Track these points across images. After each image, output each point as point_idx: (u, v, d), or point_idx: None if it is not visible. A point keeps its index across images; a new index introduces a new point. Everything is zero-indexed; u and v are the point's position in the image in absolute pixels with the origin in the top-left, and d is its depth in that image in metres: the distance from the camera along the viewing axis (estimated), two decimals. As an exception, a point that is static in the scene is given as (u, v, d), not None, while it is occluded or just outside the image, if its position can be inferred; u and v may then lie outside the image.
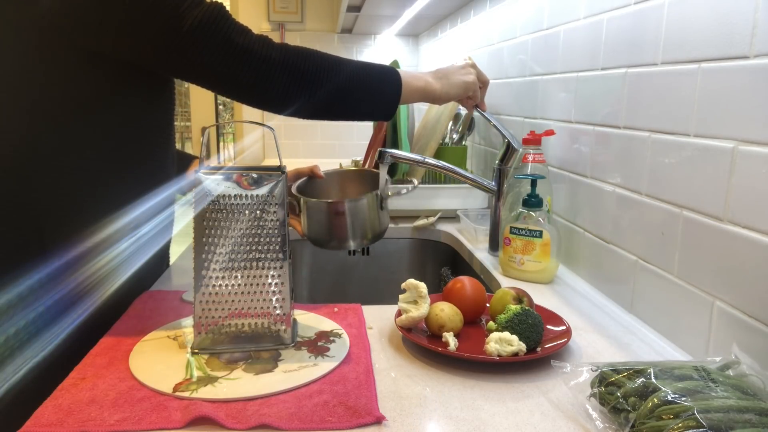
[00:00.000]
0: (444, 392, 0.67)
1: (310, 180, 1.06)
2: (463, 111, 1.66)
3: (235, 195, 0.75)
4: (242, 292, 0.76)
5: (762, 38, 0.65)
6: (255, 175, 0.75)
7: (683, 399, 0.54)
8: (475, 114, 1.47)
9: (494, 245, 1.24)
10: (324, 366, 0.71)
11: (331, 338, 0.80)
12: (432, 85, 0.99)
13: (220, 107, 4.80)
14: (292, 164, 0.94)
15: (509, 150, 1.18)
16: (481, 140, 1.74)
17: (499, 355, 0.72)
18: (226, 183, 0.75)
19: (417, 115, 2.06)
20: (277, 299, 0.77)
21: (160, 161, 0.94)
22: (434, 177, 1.62)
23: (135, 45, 0.79)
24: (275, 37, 1.36)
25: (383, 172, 0.97)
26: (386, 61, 1.17)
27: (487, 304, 0.88)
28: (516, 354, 0.73)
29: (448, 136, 1.68)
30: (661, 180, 0.84)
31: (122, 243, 0.89)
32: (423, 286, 0.81)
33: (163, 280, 1.05)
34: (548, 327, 0.82)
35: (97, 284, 0.87)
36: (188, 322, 0.84)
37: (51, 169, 0.82)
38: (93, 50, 0.79)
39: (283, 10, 2.93)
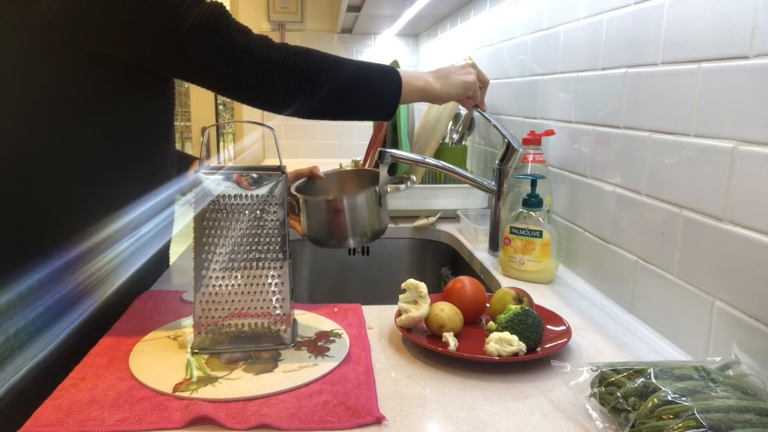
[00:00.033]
0: (444, 392, 0.67)
1: (310, 181, 1.06)
2: (463, 111, 1.66)
3: (235, 195, 0.75)
4: (242, 292, 0.76)
5: (762, 38, 0.65)
6: (255, 175, 0.75)
7: (683, 399, 0.54)
8: (475, 114, 1.47)
9: (494, 245, 1.24)
10: (324, 366, 0.71)
11: (331, 338, 0.80)
12: (432, 84, 0.99)
13: (220, 107, 4.80)
14: (292, 164, 0.94)
15: (509, 150, 1.18)
16: (481, 140, 1.74)
17: (499, 355, 0.72)
18: (226, 183, 0.75)
19: (417, 115, 2.05)
20: (277, 299, 0.77)
21: (160, 161, 0.94)
22: (434, 177, 1.62)
23: (135, 45, 0.79)
24: (275, 37, 1.36)
25: (383, 172, 0.97)
26: (386, 61, 1.17)
27: (487, 304, 0.88)
28: (516, 354, 0.73)
29: (448, 136, 1.68)
30: (661, 180, 0.84)
31: (122, 243, 0.89)
32: (423, 286, 0.81)
33: (163, 280, 1.05)
34: (548, 327, 0.82)
35: (97, 284, 0.87)
36: (188, 322, 0.84)
37: (51, 169, 0.82)
38: (93, 50, 0.79)
39: (283, 10, 2.93)
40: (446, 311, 0.80)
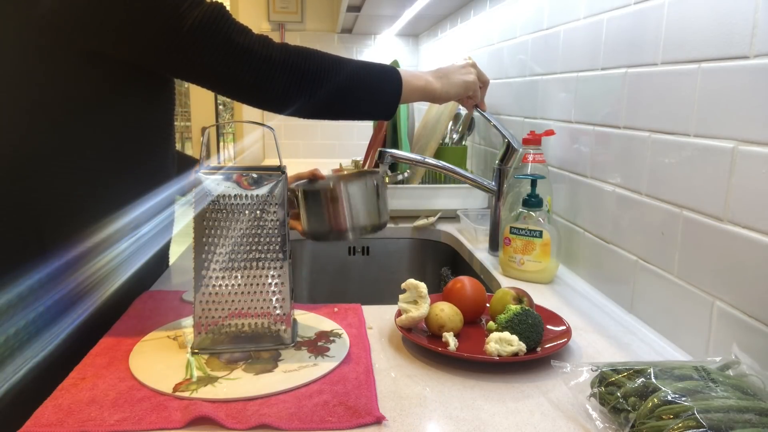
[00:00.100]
0: (444, 392, 0.67)
1: (311, 182, 1.06)
2: (463, 111, 1.66)
3: (235, 195, 0.75)
4: (242, 292, 0.76)
5: (762, 38, 0.65)
6: (255, 175, 0.75)
7: (683, 399, 0.54)
8: (475, 114, 1.47)
9: (494, 245, 1.24)
10: (324, 366, 0.71)
11: (331, 338, 0.80)
12: (432, 84, 0.99)
13: (220, 107, 4.80)
14: (292, 164, 0.94)
15: (509, 150, 1.18)
16: (481, 140, 1.74)
17: (499, 355, 0.72)
18: (226, 183, 0.75)
19: (417, 115, 2.06)
20: (277, 299, 0.77)
21: (160, 161, 0.94)
22: (434, 177, 1.62)
23: (135, 45, 0.79)
24: (275, 37, 1.36)
25: (383, 171, 0.97)
26: (386, 61, 1.17)
27: (487, 304, 0.88)
28: (516, 354, 0.73)
29: (448, 136, 1.68)
30: (661, 180, 0.84)
31: (122, 243, 0.89)
32: (423, 286, 0.81)
33: (163, 280, 1.05)
34: (548, 327, 0.82)
35: (97, 284, 0.87)
36: (188, 322, 0.84)
37: (51, 169, 0.81)
38: (93, 50, 0.79)
39: (283, 10, 2.93)
40: (446, 311, 0.80)
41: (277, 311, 0.77)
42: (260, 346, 0.76)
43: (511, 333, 0.74)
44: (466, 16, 1.94)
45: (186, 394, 0.64)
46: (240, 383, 0.67)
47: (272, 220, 0.76)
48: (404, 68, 0.99)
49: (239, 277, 0.75)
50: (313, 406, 0.62)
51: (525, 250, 1.06)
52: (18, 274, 0.80)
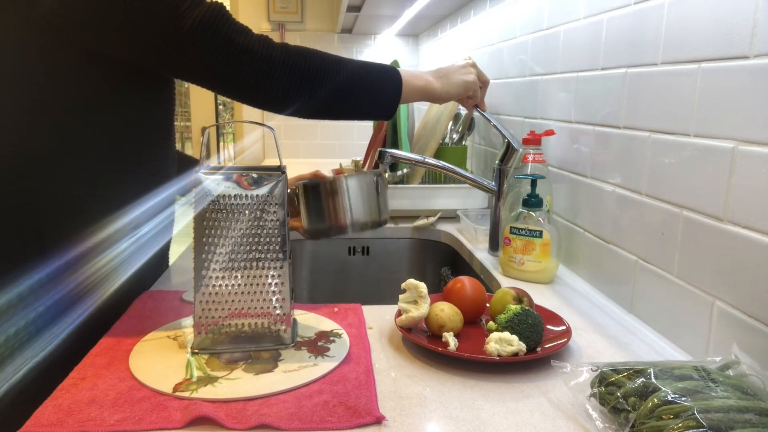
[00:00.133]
0: (444, 392, 0.67)
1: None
2: (463, 111, 1.66)
3: (235, 195, 0.75)
4: (242, 292, 0.76)
5: (762, 38, 0.65)
6: (255, 175, 0.75)
7: (683, 399, 0.54)
8: (475, 114, 1.47)
9: (494, 245, 1.24)
10: (324, 366, 0.71)
11: (331, 338, 0.80)
12: (432, 84, 0.99)
13: (220, 107, 4.80)
14: (292, 164, 0.94)
15: (509, 150, 1.18)
16: (481, 140, 1.74)
17: (499, 355, 0.72)
18: (226, 183, 0.75)
19: (417, 115, 2.06)
20: (277, 299, 0.77)
21: (160, 161, 0.94)
22: (434, 177, 1.62)
23: (135, 45, 0.79)
24: (275, 37, 1.36)
25: (382, 169, 0.97)
26: (386, 61, 1.17)
27: (487, 304, 0.88)
28: (516, 354, 0.73)
29: (448, 136, 1.68)
30: (661, 180, 0.84)
31: (122, 243, 0.89)
32: (423, 286, 0.81)
33: (163, 280, 1.05)
34: (548, 327, 0.82)
35: (97, 284, 0.87)
36: (188, 322, 0.84)
37: (51, 169, 0.81)
38: (93, 50, 0.79)
39: (283, 10, 2.93)
40: (446, 311, 0.80)
41: (277, 311, 0.77)
42: (260, 346, 0.76)
43: (511, 333, 0.74)
44: (466, 16, 1.94)
45: (186, 394, 0.64)
46: (240, 383, 0.67)
47: (272, 220, 0.76)
48: (404, 68, 0.99)
49: (239, 277, 0.75)
50: (313, 406, 0.62)
51: (525, 250, 1.06)
52: (18, 274, 0.80)
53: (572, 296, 1.00)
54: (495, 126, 1.18)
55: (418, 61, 2.99)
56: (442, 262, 1.52)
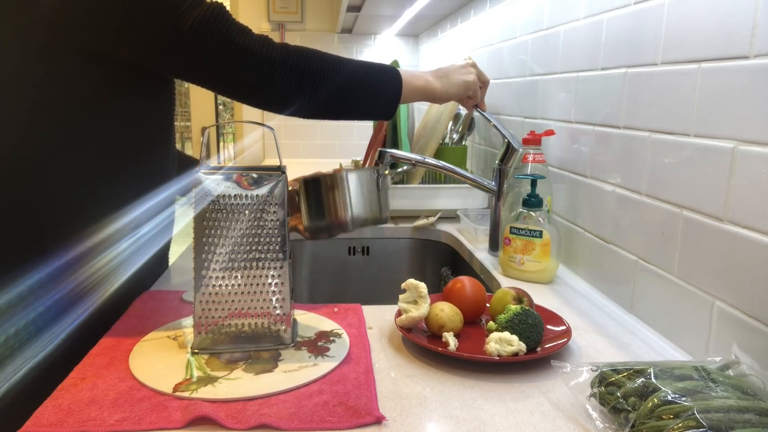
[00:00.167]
0: (444, 392, 0.67)
1: None
2: (463, 111, 1.66)
3: (235, 195, 0.75)
4: (242, 292, 0.76)
5: (762, 38, 0.65)
6: (255, 175, 0.75)
7: (683, 399, 0.54)
8: (475, 114, 1.47)
9: (494, 245, 1.24)
10: (324, 366, 0.71)
11: (331, 338, 0.80)
12: (432, 84, 0.99)
13: (220, 107, 4.80)
14: (292, 164, 0.94)
15: (509, 150, 1.18)
16: (481, 140, 1.74)
17: (499, 355, 0.72)
18: (226, 183, 0.75)
19: (417, 115, 2.06)
20: (277, 299, 0.77)
21: (160, 161, 0.94)
22: (434, 177, 1.62)
23: (135, 45, 0.79)
24: (275, 37, 1.36)
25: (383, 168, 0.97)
26: (386, 61, 1.17)
27: (487, 304, 0.88)
28: (516, 354, 0.73)
29: (448, 136, 1.68)
30: (661, 180, 0.84)
31: (122, 243, 0.89)
32: (423, 286, 0.81)
33: (163, 280, 1.05)
34: (548, 327, 0.82)
35: (97, 284, 0.87)
36: (188, 322, 0.84)
37: (51, 169, 0.81)
38: (93, 50, 0.79)
39: (283, 10, 2.93)
40: (446, 311, 0.80)
41: (277, 311, 0.77)
42: (260, 346, 0.76)
43: (511, 333, 0.74)
44: (466, 16, 1.94)
45: (186, 394, 0.64)
46: (240, 383, 0.67)
47: (272, 220, 0.76)
48: (404, 68, 0.99)
49: (239, 277, 0.75)
50: (313, 406, 0.62)
51: (525, 250, 1.06)
52: (18, 274, 0.80)
53: (572, 296, 1.00)
54: (495, 126, 1.18)
55: (418, 61, 2.99)
56: (442, 262, 1.52)
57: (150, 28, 0.77)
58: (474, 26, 1.85)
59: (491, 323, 0.81)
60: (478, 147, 1.77)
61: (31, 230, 0.82)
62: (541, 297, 0.99)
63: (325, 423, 0.60)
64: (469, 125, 1.69)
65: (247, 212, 0.75)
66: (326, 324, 0.85)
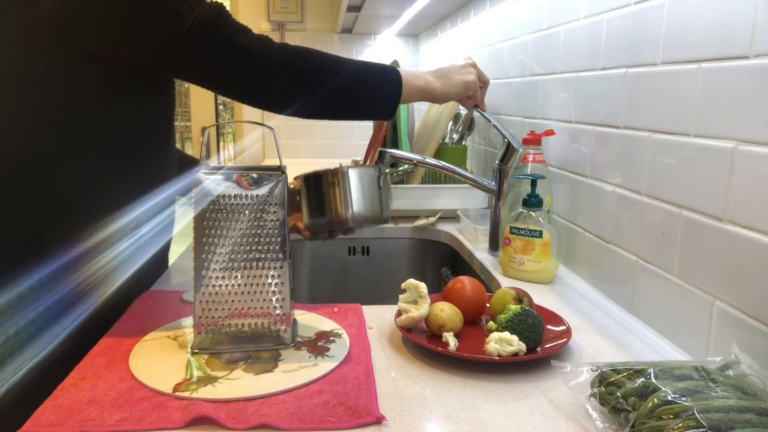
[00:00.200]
0: (444, 392, 0.67)
1: None
2: (463, 111, 1.66)
3: (235, 195, 0.75)
4: (242, 292, 0.76)
5: (762, 38, 0.65)
6: (255, 175, 0.75)
7: (683, 399, 0.54)
8: (475, 114, 1.47)
9: (494, 245, 1.24)
10: (324, 366, 0.71)
11: (331, 338, 0.80)
12: (432, 84, 0.99)
13: (220, 107, 4.80)
14: (292, 164, 0.94)
15: (509, 150, 1.18)
16: (481, 140, 1.74)
17: (499, 355, 0.72)
18: (226, 183, 0.75)
19: (417, 115, 2.06)
20: (277, 299, 0.77)
21: (160, 161, 0.94)
22: (434, 177, 1.62)
23: (135, 45, 0.79)
24: (275, 37, 1.36)
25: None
26: (386, 61, 1.17)
27: (487, 304, 0.88)
28: (516, 354, 0.73)
29: (448, 136, 1.68)
30: (661, 180, 0.84)
31: (122, 243, 0.89)
32: (423, 286, 0.81)
33: (163, 280, 1.05)
34: (548, 327, 0.82)
35: (97, 284, 0.87)
36: (188, 322, 0.84)
37: (51, 169, 0.81)
38: (93, 50, 0.79)
39: (283, 10, 2.93)
40: (446, 311, 0.80)
41: (277, 311, 0.77)
42: (260, 346, 0.76)
43: (511, 333, 0.74)
44: (466, 16, 1.94)
45: (186, 394, 0.64)
46: (240, 383, 0.67)
47: (272, 220, 0.76)
48: (404, 68, 0.99)
49: (239, 277, 0.75)
50: (313, 406, 0.62)
51: (525, 250, 1.06)
52: (18, 274, 0.80)
53: (572, 296, 1.00)
54: (495, 126, 1.18)
55: (418, 61, 2.99)
56: (442, 262, 1.52)
57: (150, 28, 0.77)
58: (474, 26, 1.85)
59: (491, 323, 0.81)
60: (478, 147, 1.77)
61: (31, 230, 0.82)
62: (541, 297, 0.99)
63: (325, 423, 0.60)
64: (469, 125, 1.69)
65: (247, 212, 0.75)
66: (326, 324, 0.85)
